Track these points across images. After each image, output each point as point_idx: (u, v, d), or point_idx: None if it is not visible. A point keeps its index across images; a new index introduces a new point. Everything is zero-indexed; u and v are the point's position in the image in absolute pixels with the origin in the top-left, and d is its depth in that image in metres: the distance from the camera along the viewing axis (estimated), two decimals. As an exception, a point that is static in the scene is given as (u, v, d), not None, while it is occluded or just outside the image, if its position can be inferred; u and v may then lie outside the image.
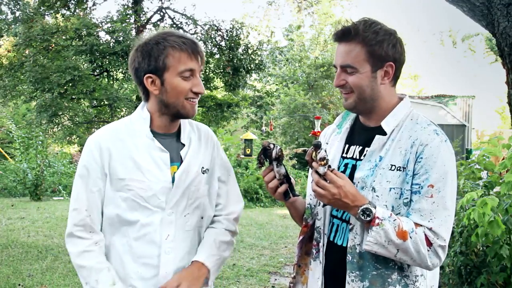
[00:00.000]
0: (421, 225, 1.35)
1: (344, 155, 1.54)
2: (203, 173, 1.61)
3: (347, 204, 1.36)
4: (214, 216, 1.68)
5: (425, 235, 1.34)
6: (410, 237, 1.33)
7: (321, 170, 1.36)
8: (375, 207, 1.35)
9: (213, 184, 1.65)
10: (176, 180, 1.54)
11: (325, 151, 1.39)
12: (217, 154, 1.68)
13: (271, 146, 1.44)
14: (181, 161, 1.57)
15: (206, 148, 1.65)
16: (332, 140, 1.61)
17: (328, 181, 1.36)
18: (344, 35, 1.44)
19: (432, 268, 1.37)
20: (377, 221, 1.34)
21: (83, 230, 1.51)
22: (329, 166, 1.38)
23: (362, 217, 1.35)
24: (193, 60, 1.49)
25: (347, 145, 1.55)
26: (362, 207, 1.35)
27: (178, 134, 1.61)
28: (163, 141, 1.56)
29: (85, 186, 1.52)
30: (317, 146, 1.38)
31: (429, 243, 1.34)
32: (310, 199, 1.59)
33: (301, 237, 1.58)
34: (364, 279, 1.40)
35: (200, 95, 1.53)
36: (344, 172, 1.49)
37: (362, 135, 1.52)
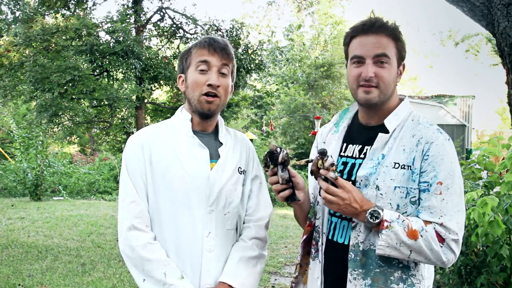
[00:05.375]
0: (431, 222, 1.35)
1: (342, 153, 1.53)
2: (240, 173, 1.63)
3: (356, 209, 1.36)
4: (244, 221, 1.68)
5: (436, 231, 1.34)
6: (421, 235, 1.33)
7: (333, 175, 1.35)
8: (382, 210, 1.35)
9: (247, 186, 1.67)
10: (212, 176, 1.55)
11: (331, 157, 1.39)
12: (253, 158, 1.70)
13: (278, 150, 1.42)
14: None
15: (242, 150, 1.67)
16: (329, 139, 1.60)
17: (338, 187, 1.35)
18: (373, 26, 1.42)
19: (448, 264, 1.37)
20: (385, 224, 1.33)
21: (142, 222, 1.52)
22: (338, 172, 1.37)
23: (371, 220, 1.34)
24: (210, 55, 1.53)
25: (345, 144, 1.54)
26: (369, 210, 1.35)
27: (216, 133, 1.65)
28: (202, 139, 1.59)
29: (135, 182, 1.54)
30: (323, 154, 1.38)
31: (441, 239, 1.34)
32: (312, 198, 1.59)
33: (304, 237, 1.58)
34: (366, 277, 1.40)
35: (218, 91, 1.54)
36: (343, 170, 1.49)
37: (361, 134, 1.52)
